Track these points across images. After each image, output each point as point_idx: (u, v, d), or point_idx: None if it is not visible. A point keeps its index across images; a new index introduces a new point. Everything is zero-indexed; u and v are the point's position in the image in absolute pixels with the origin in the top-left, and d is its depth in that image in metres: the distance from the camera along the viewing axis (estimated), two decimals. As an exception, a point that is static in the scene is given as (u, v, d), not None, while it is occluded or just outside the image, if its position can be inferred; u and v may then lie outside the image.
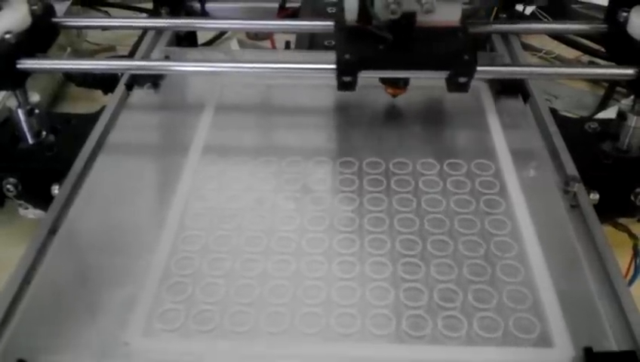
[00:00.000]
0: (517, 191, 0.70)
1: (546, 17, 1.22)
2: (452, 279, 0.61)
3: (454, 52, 0.71)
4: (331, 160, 0.75)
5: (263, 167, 0.74)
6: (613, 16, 0.81)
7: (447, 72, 0.72)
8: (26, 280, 0.61)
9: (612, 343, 0.56)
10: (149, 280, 0.61)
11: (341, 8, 0.73)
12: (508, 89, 0.85)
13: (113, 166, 0.76)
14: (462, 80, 0.72)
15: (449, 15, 0.71)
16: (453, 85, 0.73)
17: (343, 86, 0.73)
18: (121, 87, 0.87)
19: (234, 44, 1.24)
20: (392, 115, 0.84)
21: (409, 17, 0.69)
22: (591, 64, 1.20)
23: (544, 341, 0.56)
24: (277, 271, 0.62)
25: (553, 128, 0.80)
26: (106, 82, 1.00)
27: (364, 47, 0.72)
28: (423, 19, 0.69)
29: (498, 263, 0.62)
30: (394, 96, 0.82)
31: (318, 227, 0.66)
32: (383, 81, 0.79)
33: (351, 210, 0.68)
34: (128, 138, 0.81)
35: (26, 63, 0.77)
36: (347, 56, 0.71)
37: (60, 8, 1.09)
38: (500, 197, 0.69)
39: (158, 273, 0.61)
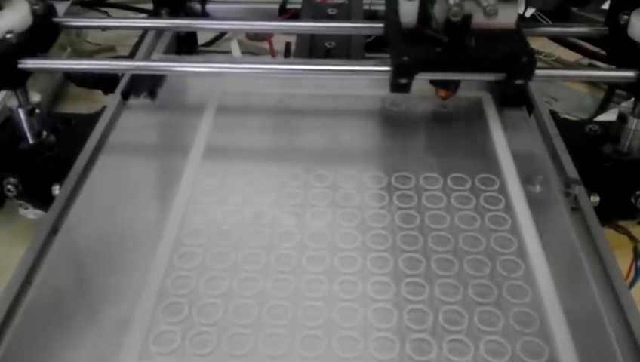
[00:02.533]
0: (522, 207, 0.67)
1: (546, 20, 1.19)
2: (457, 300, 0.57)
3: (512, 54, 0.69)
4: (332, 174, 0.72)
5: (263, 179, 0.71)
6: (613, 18, 0.79)
7: (504, 75, 0.70)
8: (23, 288, 0.59)
9: (621, 366, 0.53)
10: (145, 300, 0.57)
11: (394, 10, 0.72)
12: (512, 100, 0.83)
13: (113, 167, 0.74)
14: (519, 82, 0.71)
15: (505, 17, 0.69)
16: (509, 87, 0.73)
17: (397, 88, 0.71)
18: (121, 87, 0.86)
19: (234, 45, 1.20)
20: (395, 128, 0.81)
21: (465, 19, 0.67)
22: (591, 67, 1.17)
23: None
24: (276, 291, 0.58)
25: (554, 131, 0.78)
26: (106, 82, 0.98)
27: (420, 49, 0.70)
28: (478, 21, 0.68)
29: (504, 283, 0.59)
30: (444, 98, 0.80)
31: (319, 244, 0.63)
32: (434, 83, 0.77)
33: (352, 227, 0.65)
34: (129, 139, 0.79)
35: (27, 63, 0.75)
36: (405, 58, 0.69)
37: (60, 8, 1.07)
38: (505, 213, 0.66)
39: (153, 292, 0.58)
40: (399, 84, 0.71)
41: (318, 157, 0.75)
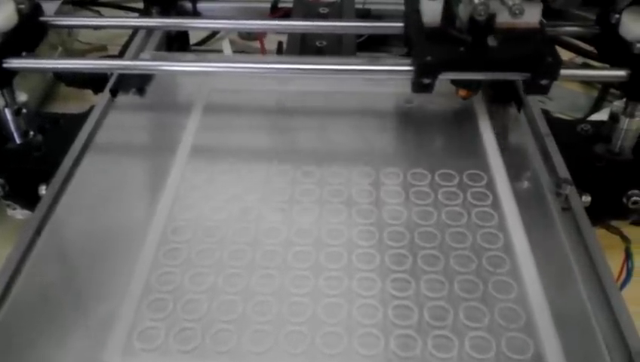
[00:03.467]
0: (510, 203, 0.68)
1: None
2: (443, 296, 0.58)
3: (537, 54, 0.69)
4: (319, 169, 0.72)
5: (250, 175, 0.72)
6: (604, 17, 0.79)
7: (528, 74, 0.70)
8: (7, 288, 0.59)
9: (608, 362, 0.54)
10: (129, 296, 0.58)
11: (415, 10, 0.72)
12: (501, 96, 0.83)
13: (100, 167, 0.74)
14: (544, 82, 0.70)
15: (529, 16, 0.68)
16: (534, 87, 0.71)
17: (420, 88, 0.71)
18: (110, 85, 0.86)
19: (226, 45, 1.21)
20: (383, 123, 0.81)
21: (489, 19, 0.67)
22: (584, 65, 1.18)
23: (538, 361, 0.53)
24: (261, 287, 0.59)
25: (545, 130, 0.78)
26: (96, 82, 0.96)
27: (444, 48, 0.70)
28: (501, 20, 0.68)
29: (490, 279, 0.59)
30: (464, 99, 0.80)
31: (305, 240, 0.64)
32: (455, 83, 0.78)
33: (339, 223, 0.66)
34: (116, 138, 0.79)
35: (12, 62, 0.75)
36: (428, 57, 0.69)
37: (51, 7, 1.07)
38: (492, 209, 0.67)
39: (138, 288, 0.59)
40: (422, 83, 0.71)
41: (306, 153, 0.76)
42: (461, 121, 0.81)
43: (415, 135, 0.80)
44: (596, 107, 1.12)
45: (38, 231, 0.65)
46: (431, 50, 0.70)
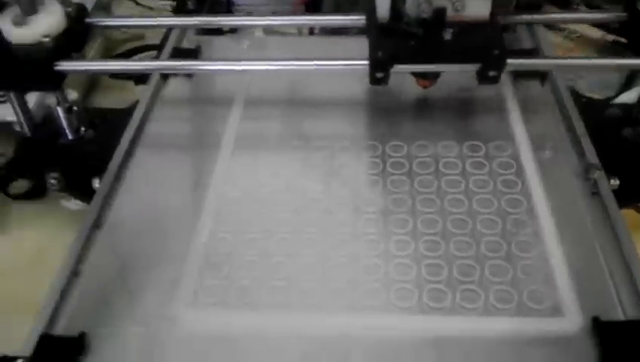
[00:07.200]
0: (533, 171, 0.75)
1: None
2: (470, 255, 0.67)
3: (484, 47, 0.74)
4: (355, 144, 0.80)
5: (292, 152, 0.80)
6: (633, 4, 0.83)
7: (478, 66, 0.75)
8: (76, 267, 0.68)
9: (620, 313, 0.61)
10: (191, 260, 0.68)
11: (373, 6, 0.77)
12: (526, 71, 0.88)
13: (151, 158, 0.82)
14: (492, 73, 0.75)
15: (479, 10, 0.74)
16: (484, 78, 0.76)
17: (375, 81, 0.76)
18: (153, 80, 0.92)
19: (258, 33, 1.28)
20: (412, 100, 0.88)
21: (439, 13, 0.73)
22: (615, 44, 1.23)
23: (555, 311, 0.62)
24: (307, 250, 0.68)
25: (574, 113, 0.82)
26: (137, 74, 1.04)
27: (395, 43, 0.75)
28: (453, 13, 0.73)
29: (514, 240, 0.68)
30: (425, 87, 0.85)
31: (345, 208, 0.72)
32: (414, 73, 0.83)
33: (375, 192, 0.74)
34: (163, 130, 0.86)
35: (63, 65, 0.81)
36: (379, 53, 0.74)
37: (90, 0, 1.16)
38: (516, 177, 0.75)
39: (199, 253, 0.68)
40: (377, 77, 0.76)
41: (342, 130, 0.84)
42: (487, 95, 0.87)
43: (443, 109, 0.86)
44: (627, 86, 1.17)
45: (96, 225, 0.73)
46: (382, 45, 0.75)
